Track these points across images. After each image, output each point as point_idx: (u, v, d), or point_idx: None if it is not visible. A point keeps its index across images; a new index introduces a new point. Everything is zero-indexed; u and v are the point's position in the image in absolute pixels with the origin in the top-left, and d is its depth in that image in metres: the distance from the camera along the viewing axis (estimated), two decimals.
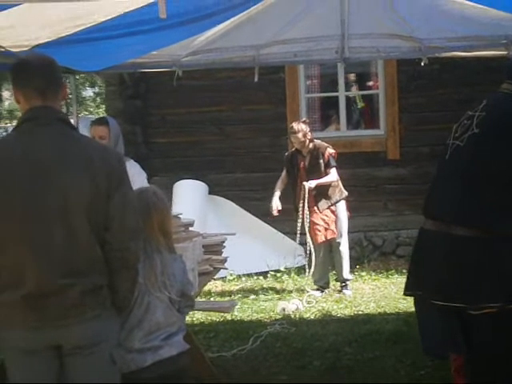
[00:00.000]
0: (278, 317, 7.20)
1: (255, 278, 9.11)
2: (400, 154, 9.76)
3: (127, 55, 6.54)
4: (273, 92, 9.79)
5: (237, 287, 8.77)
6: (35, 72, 2.90)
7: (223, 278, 9.11)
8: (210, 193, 9.94)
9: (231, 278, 9.11)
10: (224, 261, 5.27)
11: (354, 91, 10.49)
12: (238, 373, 5.55)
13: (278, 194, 8.04)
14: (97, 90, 26.00)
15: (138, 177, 5.41)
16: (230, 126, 9.97)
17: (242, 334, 6.59)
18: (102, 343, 2.91)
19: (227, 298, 8.16)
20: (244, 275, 9.19)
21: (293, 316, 7.22)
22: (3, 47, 5.05)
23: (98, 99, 26.62)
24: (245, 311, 7.55)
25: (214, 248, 5.11)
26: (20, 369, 2.90)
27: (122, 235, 2.88)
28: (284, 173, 8.18)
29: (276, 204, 7.96)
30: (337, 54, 6.53)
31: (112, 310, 2.97)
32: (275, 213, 7.96)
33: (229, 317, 7.28)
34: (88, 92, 27.25)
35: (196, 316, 7.31)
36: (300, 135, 7.81)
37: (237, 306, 7.36)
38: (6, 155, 2.84)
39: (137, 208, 2.98)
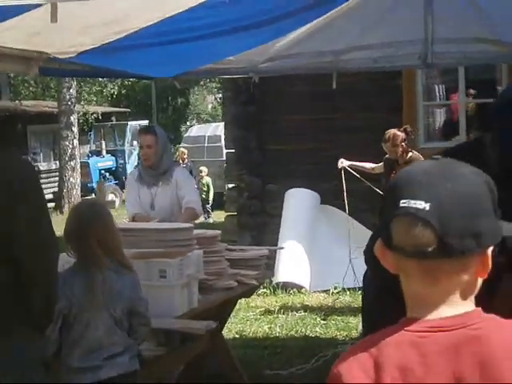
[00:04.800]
0: (357, 335, 6.83)
1: (359, 292, 8.73)
2: None
3: (202, 60, 6.44)
4: (388, 99, 9.37)
5: (336, 301, 8.45)
6: None
7: (326, 291, 8.84)
8: (322, 202, 9.70)
9: (335, 291, 8.80)
10: (262, 276, 5.03)
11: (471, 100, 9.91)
12: None
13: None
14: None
15: (184, 183, 5.38)
16: (343, 133, 9.63)
17: (308, 351, 6.31)
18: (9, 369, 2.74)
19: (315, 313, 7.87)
20: (350, 289, 8.84)
21: None
22: (48, 54, 5.09)
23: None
24: (328, 327, 7.24)
25: (248, 262, 4.88)
26: None
27: (28, 251, 2.74)
28: (379, 166, 7.82)
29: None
30: (419, 59, 6.14)
31: (23, 331, 2.80)
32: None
33: (305, 332, 7.02)
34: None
35: (270, 330, 7.12)
36: (388, 145, 7.37)
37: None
38: None
39: (46, 223, 2.80)
